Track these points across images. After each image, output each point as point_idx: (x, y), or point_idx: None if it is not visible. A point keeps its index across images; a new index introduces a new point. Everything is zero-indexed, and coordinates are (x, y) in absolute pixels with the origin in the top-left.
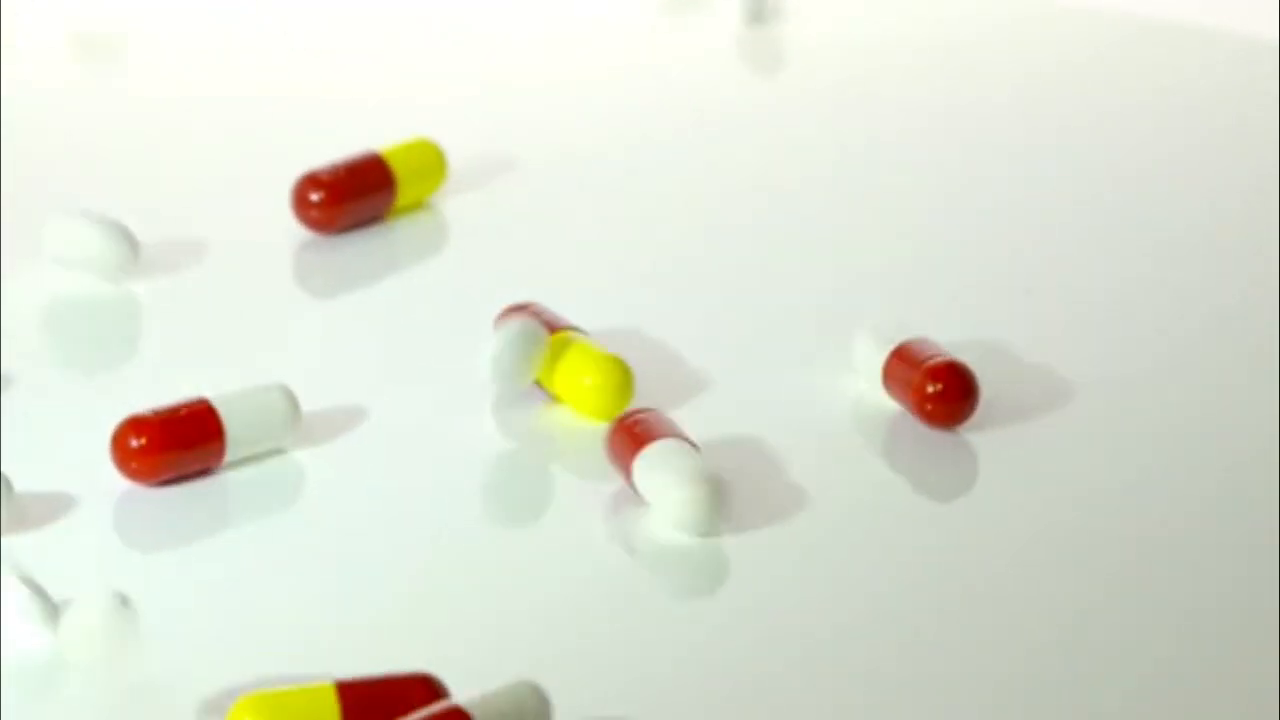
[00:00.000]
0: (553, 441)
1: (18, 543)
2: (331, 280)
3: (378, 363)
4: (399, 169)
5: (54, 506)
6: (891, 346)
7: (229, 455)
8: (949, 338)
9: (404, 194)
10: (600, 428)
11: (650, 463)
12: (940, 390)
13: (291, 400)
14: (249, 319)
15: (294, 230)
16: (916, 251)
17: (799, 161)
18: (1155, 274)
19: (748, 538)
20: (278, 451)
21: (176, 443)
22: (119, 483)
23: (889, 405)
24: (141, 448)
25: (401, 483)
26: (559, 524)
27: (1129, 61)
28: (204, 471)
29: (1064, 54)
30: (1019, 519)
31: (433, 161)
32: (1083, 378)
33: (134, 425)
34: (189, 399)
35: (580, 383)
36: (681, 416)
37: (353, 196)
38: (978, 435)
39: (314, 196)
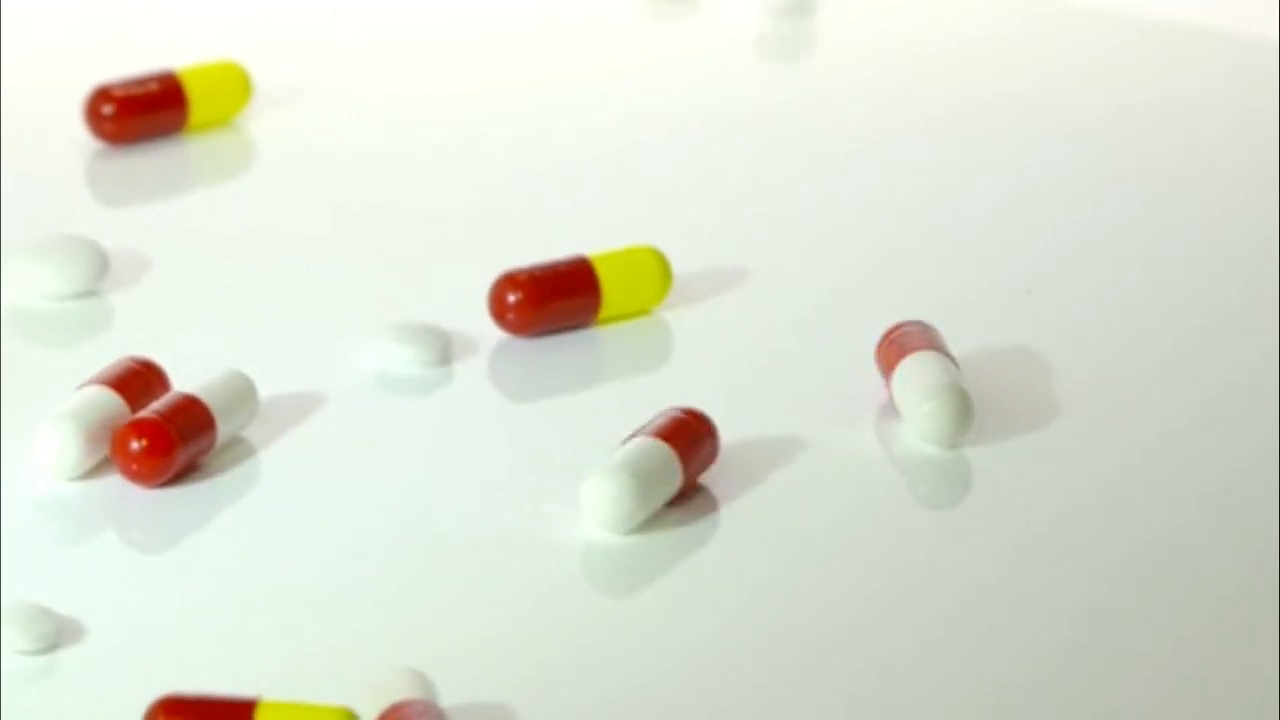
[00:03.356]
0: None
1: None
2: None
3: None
4: (192, 87)
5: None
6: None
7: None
8: (950, 336)
9: (199, 111)
10: None
11: None
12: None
13: (251, 384)
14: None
15: (87, 141)
16: (916, 250)
17: (797, 158)
18: (1156, 273)
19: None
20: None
21: (183, 439)
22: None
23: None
24: (145, 449)
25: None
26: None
27: (1130, 62)
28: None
29: (1065, 54)
30: (1018, 519)
31: (234, 82)
32: (1084, 377)
33: (136, 427)
34: (179, 394)
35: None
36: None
37: (144, 111)
38: (979, 435)
39: (105, 109)
